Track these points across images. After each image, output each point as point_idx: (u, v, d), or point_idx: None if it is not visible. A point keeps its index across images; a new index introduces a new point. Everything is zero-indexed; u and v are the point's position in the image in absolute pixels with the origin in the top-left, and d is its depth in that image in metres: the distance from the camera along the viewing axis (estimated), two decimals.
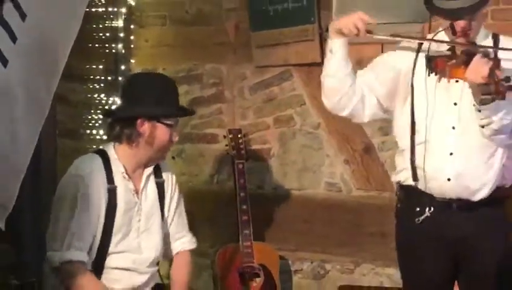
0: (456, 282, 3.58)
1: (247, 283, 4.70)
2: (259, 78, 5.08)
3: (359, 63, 4.51)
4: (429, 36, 3.59)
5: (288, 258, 5.06)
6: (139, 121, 3.45)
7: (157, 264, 3.70)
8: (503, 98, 3.21)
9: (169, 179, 3.71)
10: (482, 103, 3.27)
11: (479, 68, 3.21)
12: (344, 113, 3.64)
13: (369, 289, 4.88)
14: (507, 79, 3.21)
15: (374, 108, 3.62)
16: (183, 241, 3.77)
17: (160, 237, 3.65)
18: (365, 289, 4.87)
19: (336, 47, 3.49)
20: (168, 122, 3.52)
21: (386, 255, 4.70)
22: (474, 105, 3.31)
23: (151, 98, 3.52)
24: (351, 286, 4.87)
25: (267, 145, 5.11)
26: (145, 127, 3.46)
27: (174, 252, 3.76)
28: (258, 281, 4.70)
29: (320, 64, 4.71)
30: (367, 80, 3.59)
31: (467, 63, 3.29)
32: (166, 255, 3.76)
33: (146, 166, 3.59)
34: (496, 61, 3.29)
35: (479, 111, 3.30)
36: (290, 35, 4.91)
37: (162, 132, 3.51)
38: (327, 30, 4.78)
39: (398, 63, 3.56)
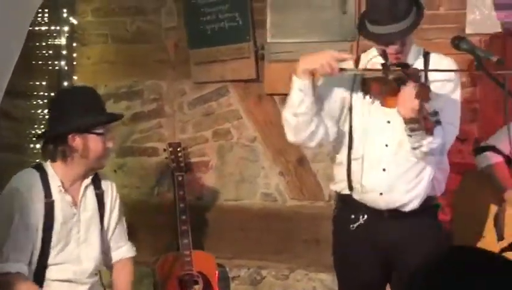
0: (388, 285, 3.67)
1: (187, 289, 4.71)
2: (197, 94, 5.08)
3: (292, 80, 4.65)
4: (363, 55, 3.62)
5: (226, 265, 5.07)
6: (70, 136, 3.42)
7: (98, 274, 3.67)
8: (431, 134, 3.27)
9: (109, 190, 3.68)
10: (411, 130, 3.34)
11: (409, 104, 3.25)
12: (311, 145, 3.63)
13: None
14: (434, 113, 3.25)
15: (335, 132, 3.62)
16: (123, 250, 3.75)
17: (100, 247, 3.61)
18: None
19: (307, 87, 3.45)
20: (99, 131, 3.48)
21: (319, 262, 4.81)
22: (405, 130, 3.37)
23: (77, 112, 3.48)
24: None
25: (205, 157, 5.11)
26: (77, 141, 3.43)
27: (113, 260, 3.73)
28: (197, 288, 4.70)
29: (256, 80, 4.91)
30: (326, 110, 3.58)
31: (397, 91, 3.33)
32: (106, 264, 3.73)
33: (86, 176, 3.55)
34: (425, 92, 3.30)
35: (410, 136, 3.37)
36: (227, 53, 4.93)
37: (94, 142, 3.47)
38: (262, 48, 4.90)
39: (341, 90, 3.58)
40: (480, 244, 4.05)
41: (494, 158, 4.10)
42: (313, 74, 3.44)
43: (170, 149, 4.84)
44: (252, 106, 4.98)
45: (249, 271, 5.09)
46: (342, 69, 3.42)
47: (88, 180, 3.58)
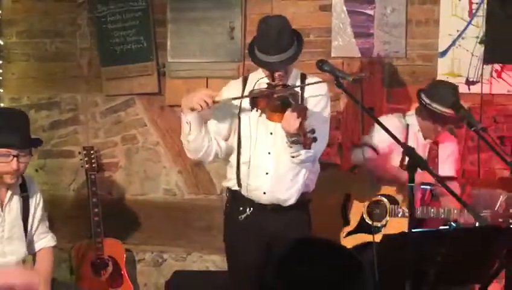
0: None
1: (99, 272, 4.70)
2: (108, 105, 5.06)
3: (188, 93, 4.72)
4: (252, 74, 3.70)
5: (132, 250, 5.07)
6: None
7: (25, 262, 3.64)
8: (309, 147, 3.35)
9: (34, 193, 3.64)
10: (292, 142, 3.41)
11: (291, 122, 3.31)
12: (209, 160, 3.74)
13: (198, 272, 4.93)
14: (312, 131, 3.31)
15: (226, 147, 3.72)
16: (45, 241, 3.75)
17: (24, 242, 3.58)
18: (195, 273, 4.90)
19: (192, 119, 3.53)
20: (4, 151, 3.36)
21: (211, 245, 4.89)
22: (286, 142, 3.44)
23: None
24: (184, 270, 4.88)
25: (115, 159, 5.10)
26: None
27: (36, 249, 3.71)
28: (107, 270, 4.71)
29: (158, 93, 4.89)
30: (215, 131, 3.67)
31: (281, 108, 3.37)
32: (31, 253, 3.71)
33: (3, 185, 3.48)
34: (304, 111, 3.37)
35: (291, 147, 3.47)
36: (133, 70, 4.93)
37: None
38: (164, 66, 4.91)
39: (230, 109, 3.66)
40: (330, 227, 4.17)
41: (368, 152, 4.17)
42: (195, 110, 3.49)
43: (84, 152, 4.81)
44: (155, 115, 5.02)
45: (152, 255, 5.10)
46: (215, 102, 3.48)
47: (14, 186, 3.53)
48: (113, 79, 5.00)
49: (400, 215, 3.99)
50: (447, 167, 4.21)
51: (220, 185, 4.84)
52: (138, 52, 4.92)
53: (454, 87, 4.13)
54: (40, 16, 5.13)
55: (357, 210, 4.16)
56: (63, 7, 5.06)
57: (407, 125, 4.14)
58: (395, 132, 3.85)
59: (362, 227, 4.13)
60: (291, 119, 3.32)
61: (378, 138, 4.11)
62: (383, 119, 3.95)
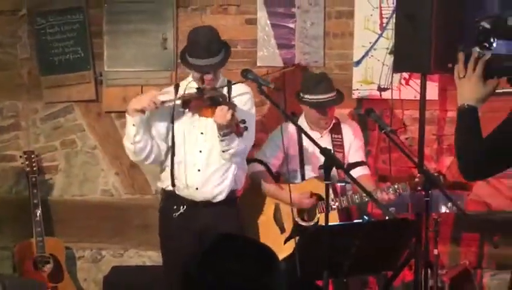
0: None
1: (40, 268, 4.65)
2: (48, 112, 4.98)
3: (125, 100, 4.71)
4: (182, 82, 3.77)
5: (72, 248, 5.01)
6: None
7: None
8: (241, 135, 3.47)
9: None
10: (224, 135, 3.50)
11: (223, 114, 3.41)
12: (149, 162, 3.75)
13: (135, 267, 4.90)
14: (243, 121, 3.45)
15: (165, 149, 3.75)
16: None
17: None
18: (132, 268, 4.88)
19: (138, 122, 3.57)
20: None
21: (147, 242, 4.86)
22: (218, 136, 3.53)
23: None
24: (121, 266, 4.85)
25: (55, 162, 5.01)
26: None
27: None
28: (48, 267, 4.66)
29: (96, 100, 4.85)
30: (155, 134, 3.70)
31: (212, 105, 3.47)
32: None
33: None
34: (234, 107, 3.49)
35: (222, 141, 3.55)
36: (72, 79, 4.87)
37: None
38: (101, 75, 4.88)
39: (165, 113, 3.70)
40: (268, 236, 4.08)
41: (259, 167, 4.16)
42: (142, 111, 3.55)
43: (25, 156, 4.76)
44: (92, 121, 4.96)
45: (92, 252, 5.04)
46: (163, 102, 3.58)
47: None
48: (52, 87, 4.93)
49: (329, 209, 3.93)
50: (356, 154, 4.20)
51: (155, 185, 4.81)
52: (76, 62, 4.87)
53: (319, 75, 4.18)
54: None
55: (288, 215, 4.05)
56: (4, 20, 4.95)
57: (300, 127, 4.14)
58: (294, 138, 3.96)
59: (297, 230, 4.05)
60: (223, 111, 3.40)
61: (270, 151, 4.14)
62: (286, 125, 4.05)
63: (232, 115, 3.41)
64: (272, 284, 1.52)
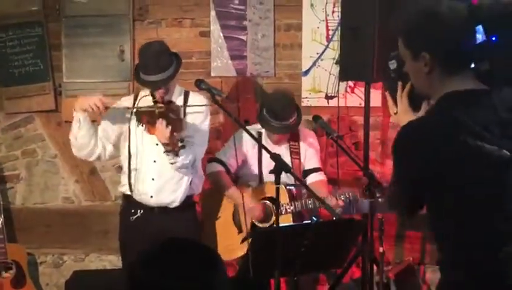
0: None
1: (2, 274, 4.63)
2: (9, 122, 4.93)
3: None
4: (142, 92, 3.75)
5: (34, 253, 4.97)
6: None
7: None
8: (177, 154, 3.50)
9: None
10: (167, 151, 3.55)
11: (163, 132, 3.45)
12: (92, 158, 3.79)
13: (96, 271, 4.88)
14: (181, 140, 3.46)
15: (111, 150, 3.79)
16: None
17: None
18: (93, 272, 4.85)
19: (82, 119, 3.61)
20: None
21: (108, 246, 4.87)
22: (163, 151, 3.57)
23: None
24: (82, 270, 4.82)
25: (16, 171, 4.97)
26: None
27: None
28: (11, 273, 4.64)
29: (55, 111, 4.81)
30: (104, 135, 3.74)
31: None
32: None
33: None
34: (177, 125, 3.47)
35: (167, 155, 3.57)
36: (32, 90, 4.84)
37: None
38: (60, 86, 4.85)
39: (120, 120, 3.72)
40: (226, 235, 4.12)
41: (218, 167, 4.17)
42: (86, 111, 3.58)
43: None
44: (52, 130, 4.94)
45: (53, 257, 5.01)
46: (106, 107, 3.58)
47: None
48: (12, 98, 4.89)
49: (283, 212, 3.95)
50: (311, 160, 4.24)
51: (114, 191, 4.84)
52: (36, 73, 4.84)
53: (283, 97, 4.12)
54: None
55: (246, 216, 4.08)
56: None
57: (260, 134, 4.16)
58: (250, 143, 3.99)
59: (253, 231, 4.06)
60: (161, 130, 3.44)
61: (230, 153, 4.14)
62: (240, 132, 4.05)
63: (171, 133, 3.43)
64: (214, 283, 1.53)
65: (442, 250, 2.13)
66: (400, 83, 2.25)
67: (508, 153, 1.96)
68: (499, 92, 2.03)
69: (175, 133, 3.46)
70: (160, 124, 3.44)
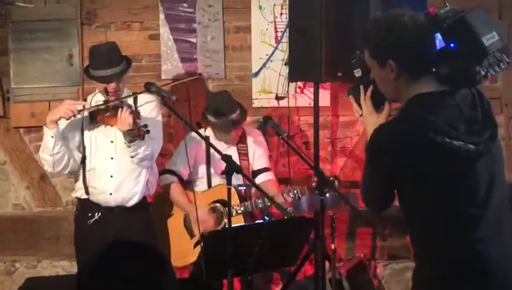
0: None
1: None
2: None
3: (33, 116, 4.65)
4: (89, 97, 3.76)
5: None
6: None
7: None
8: (143, 138, 3.51)
9: None
10: (130, 141, 3.55)
11: (125, 119, 3.49)
12: (65, 172, 3.75)
13: (49, 277, 4.71)
14: (145, 126, 3.51)
15: (80, 159, 3.73)
16: None
17: None
18: (46, 278, 4.64)
19: (55, 133, 3.57)
20: None
21: (60, 252, 4.80)
22: (125, 143, 3.58)
23: None
24: (35, 277, 4.61)
25: None
26: None
27: None
28: None
29: (4, 116, 4.73)
30: (72, 147, 3.71)
31: (116, 113, 3.55)
32: None
33: None
34: (136, 113, 3.57)
35: (129, 147, 3.59)
36: None
37: None
38: (8, 92, 4.75)
39: (75, 125, 3.70)
40: (179, 242, 4.11)
41: (171, 178, 4.15)
42: (56, 123, 3.55)
43: None
44: (1, 137, 4.82)
45: (5, 264, 4.88)
46: (80, 110, 3.58)
47: None
48: None
49: (234, 214, 3.94)
50: (260, 160, 4.26)
51: (65, 197, 4.78)
52: None
53: (222, 96, 4.19)
54: None
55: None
56: None
57: (208, 137, 4.17)
58: (201, 146, 3.98)
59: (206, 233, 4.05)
60: (124, 117, 3.49)
61: (180, 160, 4.11)
62: (190, 137, 4.04)
63: (134, 119, 3.47)
64: (162, 284, 1.54)
65: (419, 244, 2.24)
66: (361, 87, 2.38)
67: (474, 147, 2.11)
68: (458, 93, 2.18)
69: (137, 120, 3.50)
70: (123, 112, 3.48)
